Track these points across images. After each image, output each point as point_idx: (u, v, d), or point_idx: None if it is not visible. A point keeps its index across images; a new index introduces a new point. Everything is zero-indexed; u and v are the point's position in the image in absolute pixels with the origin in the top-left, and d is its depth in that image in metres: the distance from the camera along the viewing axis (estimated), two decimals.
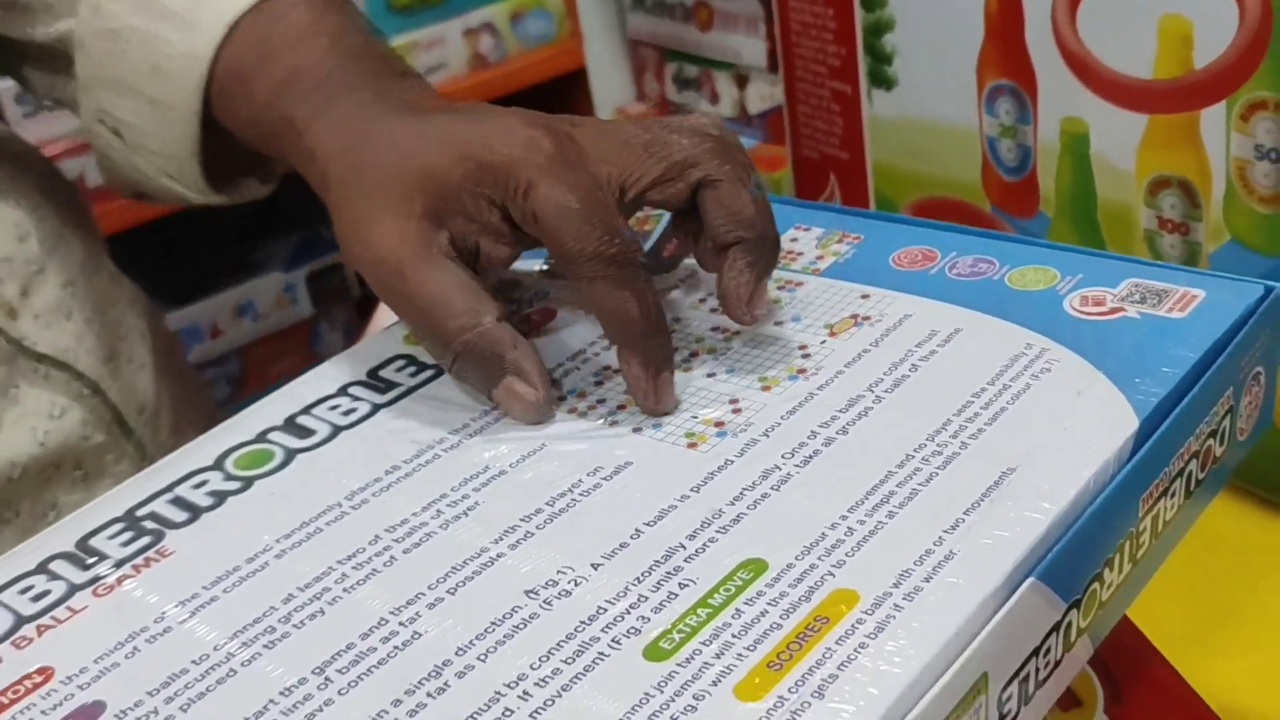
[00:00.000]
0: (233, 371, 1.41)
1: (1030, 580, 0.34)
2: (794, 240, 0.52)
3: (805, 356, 0.44)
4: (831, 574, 0.35)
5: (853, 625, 0.33)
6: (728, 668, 0.32)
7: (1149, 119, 0.54)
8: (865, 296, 0.47)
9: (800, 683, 0.31)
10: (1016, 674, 0.34)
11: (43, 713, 0.35)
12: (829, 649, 0.32)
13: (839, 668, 0.32)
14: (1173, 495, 0.40)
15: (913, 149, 0.65)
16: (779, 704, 0.31)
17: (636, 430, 0.42)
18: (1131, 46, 0.53)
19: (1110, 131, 0.56)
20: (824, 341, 0.45)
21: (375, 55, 0.53)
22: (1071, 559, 0.35)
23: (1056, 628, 0.35)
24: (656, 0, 0.84)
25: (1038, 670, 0.35)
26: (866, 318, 0.46)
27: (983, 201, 0.62)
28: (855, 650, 0.32)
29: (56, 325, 0.60)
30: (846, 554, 0.35)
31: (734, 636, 0.33)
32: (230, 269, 1.40)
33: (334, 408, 0.46)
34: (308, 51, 0.53)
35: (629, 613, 0.35)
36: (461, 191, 0.44)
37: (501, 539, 0.38)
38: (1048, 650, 0.35)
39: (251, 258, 1.43)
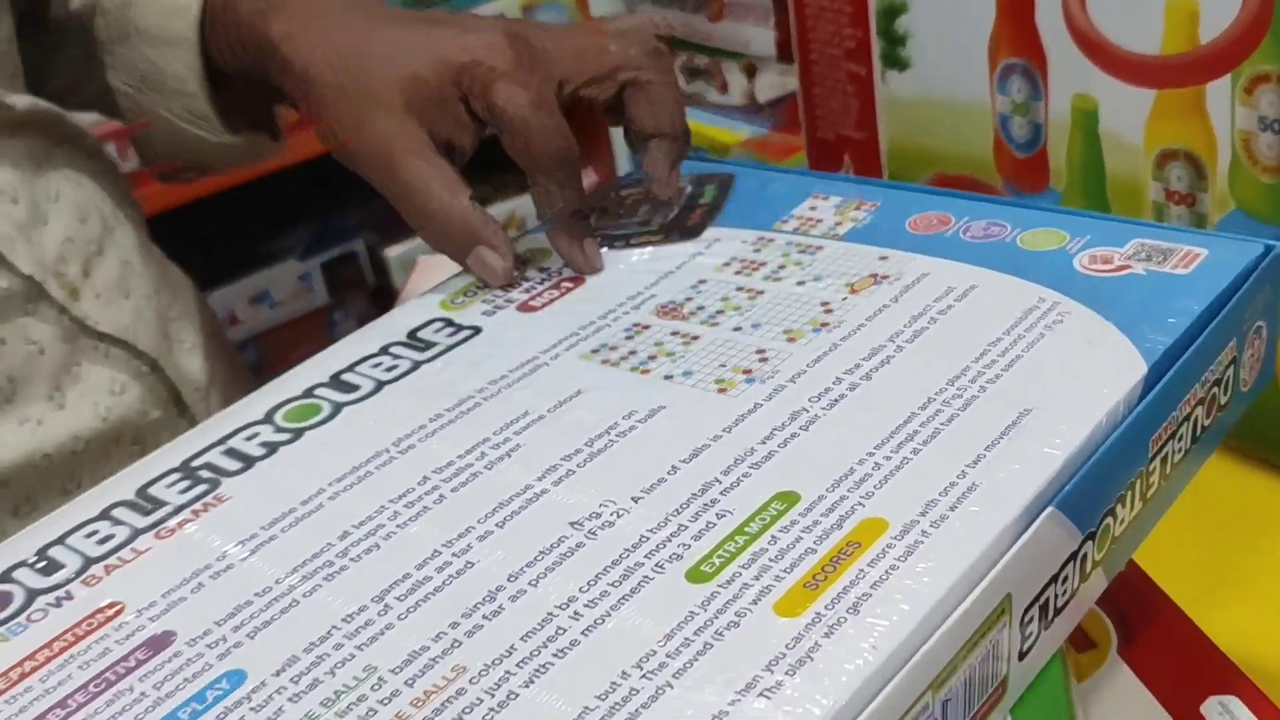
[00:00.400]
0: (251, 358, 1.43)
1: (1049, 510, 0.36)
2: (813, 209, 0.54)
3: (828, 311, 0.46)
4: (861, 504, 0.37)
5: (883, 550, 0.35)
6: (766, 588, 0.34)
7: (1157, 94, 0.56)
8: (883, 258, 0.49)
9: (836, 600, 0.33)
10: (1037, 599, 0.36)
11: (116, 643, 0.37)
12: (862, 570, 0.34)
13: (872, 587, 0.34)
14: (1180, 439, 0.42)
15: (926, 127, 0.67)
16: (816, 619, 0.33)
17: (667, 378, 0.44)
18: (1139, 24, 0.55)
19: (1119, 107, 0.58)
20: (845, 298, 0.47)
21: None
22: (1087, 492, 0.37)
23: (1073, 557, 0.37)
24: None
25: (1056, 598, 0.37)
26: (885, 276, 0.48)
27: (994, 178, 0.64)
28: (886, 572, 0.34)
29: (116, 304, 0.61)
30: (874, 486, 0.37)
31: (771, 560, 0.35)
32: (247, 259, 1.42)
33: (376, 365, 0.48)
34: None
35: (670, 540, 0.37)
36: (439, 92, 0.52)
37: (544, 477, 0.40)
38: (1065, 579, 0.37)
39: (268, 247, 1.45)
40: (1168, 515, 0.43)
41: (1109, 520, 0.39)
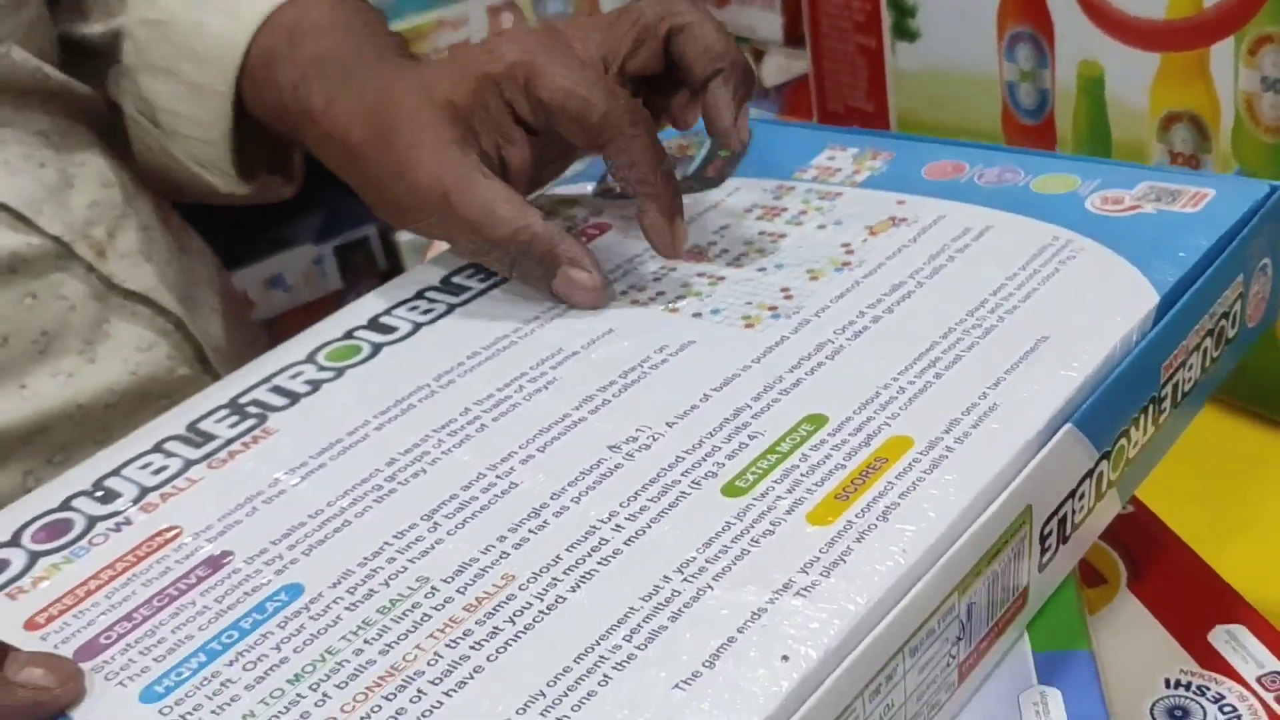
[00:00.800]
0: (263, 345, 1.45)
1: (1068, 426, 0.38)
2: (830, 159, 0.55)
3: (849, 252, 0.48)
4: (887, 424, 0.38)
5: (909, 464, 0.37)
6: (799, 499, 0.36)
7: (1161, 58, 0.58)
8: (901, 202, 0.51)
9: (866, 509, 0.35)
10: (1055, 513, 0.38)
11: (175, 563, 0.39)
12: (889, 483, 0.36)
13: (899, 497, 0.35)
14: (1189, 369, 0.44)
15: (934, 98, 0.69)
16: (848, 526, 0.35)
17: (695, 315, 0.46)
18: None
19: (1125, 72, 0.59)
20: (865, 240, 0.49)
21: (383, 38, 0.58)
22: (1103, 412, 0.39)
23: (1090, 475, 0.39)
24: None
25: (1074, 513, 0.39)
26: (903, 219, 0.49)
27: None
28: (913, 484, 0.36)
29: (140, 266, 0.63)
30: (899, 408, 0.39)
31: (802, 475, 0.37)
32: (262, 242, 1.44)
33: (413, 309, 0.50)
34: (325, 40, 0.57)
35: (704, 460, 0.38)
36: (476, 108, 0.49)
37: (580, 406, 0.42)
38: (1082, 495, 0.39)
39: (282, 232, 1.47)
40: (1173, 465, 0.45)
41: (1123, 441, 0.40)
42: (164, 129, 0.65)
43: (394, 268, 1.49)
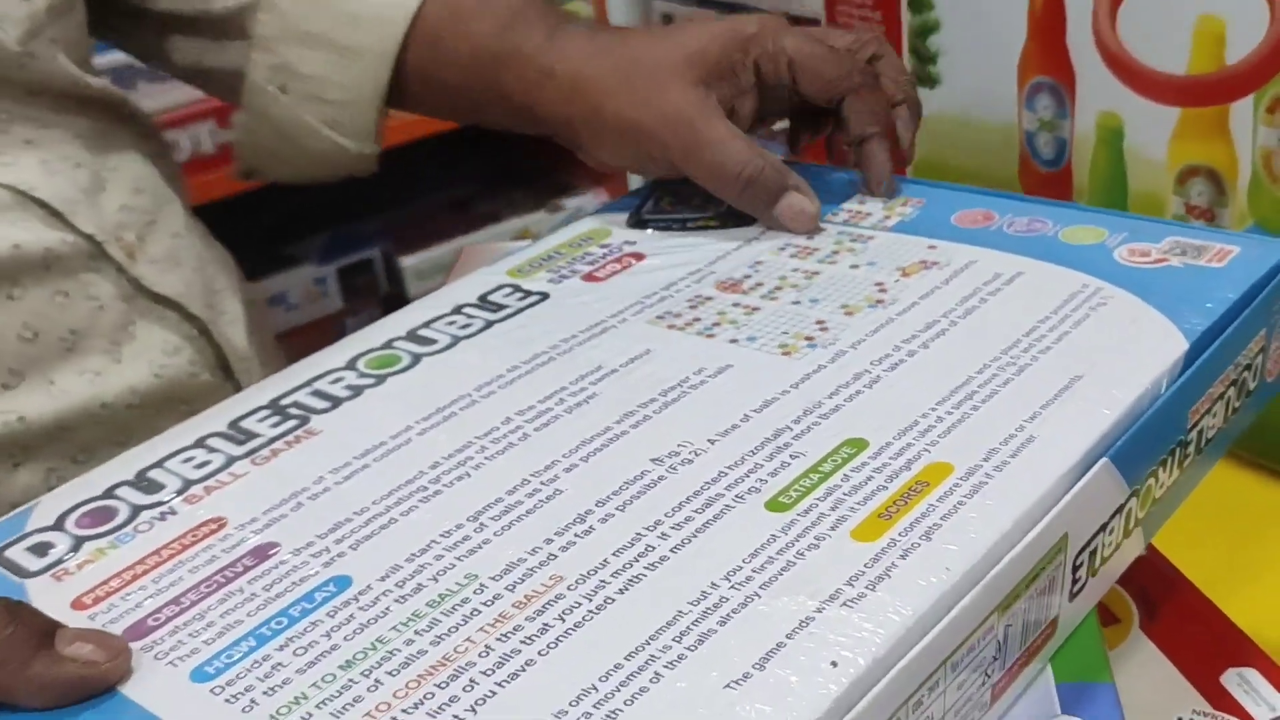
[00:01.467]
0: (280, 360, 1.46)
1: (1104, 460, 0.39)
2: (861, 203, 0.57)
3: (882, 290, 0.49)
4: (927, 450, 0.39)
5: (950, 488, 0.38)
6: (843, 517, 0.37)
7: (1181, 112, 0.59)
8: (932, 247, 0.52)
9: (910, 528, 0.36)
10: (1087, 545, 0.39)
11: (222, 551, 0.40)
12: (931, 505, 0.37)
13: (942, 518, 0.36)
14: (1214, 415, 0.45)
15: (953, 144, 0.70)
16: (892, 544, 0.36)
17: (732, 341, 0.47)
18: (1168, 44, 0.59)
19: (1144, 124, 0.61)
20: (898, 280, 0.50)
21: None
22: (1135, 450, 0.40)
23: (1120, 510, 0.40)
24: (684, 18, 0.89)
25: (1103, 547, 0.40)
26: (935, 263, 0.51)
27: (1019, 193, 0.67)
28: (955, 506, 0.37)
29: (169, 271, 0.64)
30: (939, 436, 0.40)
31: (845, 495, 0.38)
32: (268, 260, 1.45)
33: (451, 323, 0.51)
34: None
35: (747, 476, 0.39)
36: (724, 61, 0.57)
37: (623, 420, 0.43)
38: (1112, 530, 0.40)
39: (289, 250, 1.48)
40: (1187, 513, 0.46)
41: (1151, 481, 0.42)
42: (297, 95, 0.68)
43: (396, 291, 1.51)
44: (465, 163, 1.64)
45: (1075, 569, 0.39)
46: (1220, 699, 0.44)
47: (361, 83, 0.67)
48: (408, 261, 1.48)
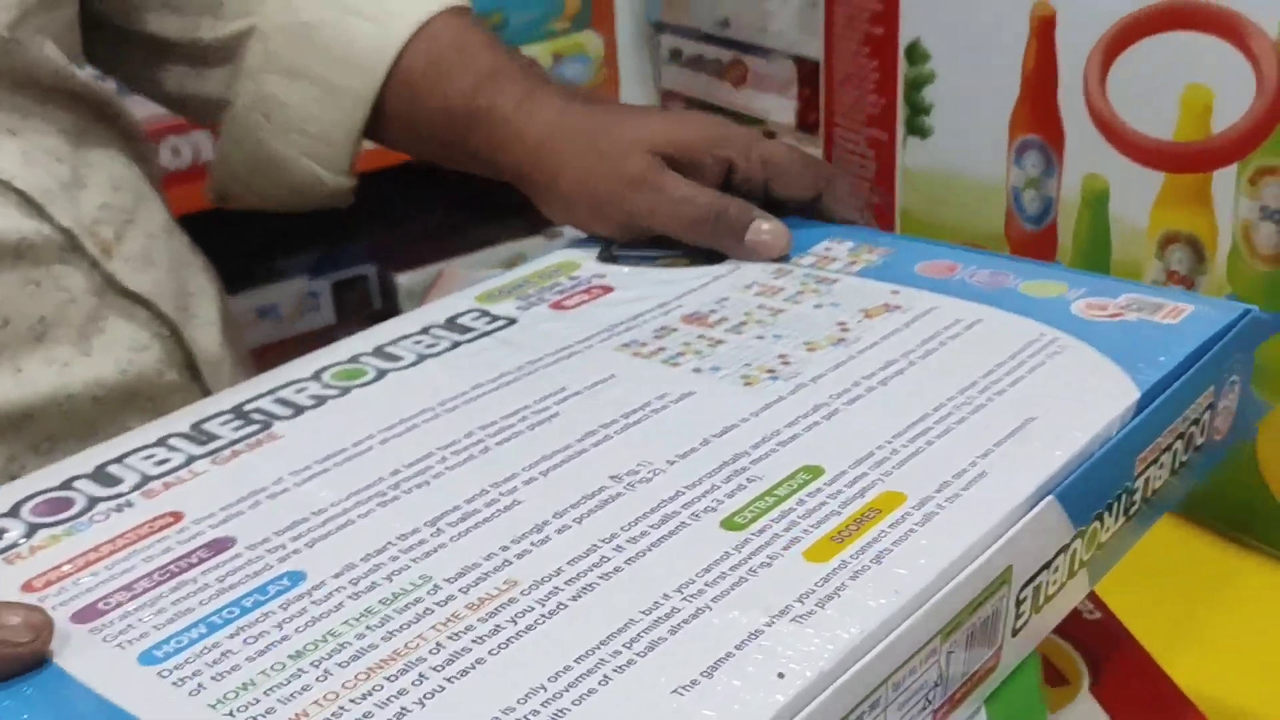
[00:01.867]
0: (252, 372, 1.46)
1: (1050, 498, 0.40)
2: (828, 249, 0.58)
3: (844, 330, 0.50)
4: (881, 480, 0.40)
5: (902, 516, 0.38)
6: (796, 538, 0.38)
7: (1166, 178, 0.60)
8: (895, 292, 0.53)
9: (861, 551, 0.37)
10: (1031, 580, 0.40)
11: (178, 543, 0.40)
12: (883, 530, 0.38)
13: (893, 544, 0.37)
14: (1161, 466, 0.46)
15: (940, 196, 0.71)
16: (843, 565, 0.36)
17: (696, 371, 0.48)
18: (1155, 111, 0.60)
19: (1128, 188, 0.62)
20: (860, 321, 0.51)
21: (536, 66, 0.68)
22: (1082, 490, 0.41)
23: (1065, 550, 0.41)
24: (694, 55, 0.91)
25: (1047, 585, 0.41)
26: (897, 307, 0.52)
27: (1003, 251, 0.68)
28: (906, 533, 0.38)
29: (142, 271, 0.65)
30: (893, 466, 0.41)
31: (799, 518, 0.39)
32: (259, 272, 1.46)
33: (417, 342, 0.51)
34: (498, 54, 0.67)
35: (704, 496, 0.40)
36: (691, 151, 0.60)
37: (584, 439, 0.43)
38: (1056, 568, 0.41)
39: (281, 263, 1.49)
40: (1139, 574, 0.47)
41: (1096, 525, 0.42)
42: (278, 126, 0.70)
43: (389, 308, 1.52)
44: (463, 185, 1.65)
45: (1019, 603, 0.40)
46: None
47: (341, 120, 0.69)
48: (402, 279, 1.49)
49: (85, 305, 0.61)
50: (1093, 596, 0.53)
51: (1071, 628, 0.48)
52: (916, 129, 0.70)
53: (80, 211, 0.62)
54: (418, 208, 1.64)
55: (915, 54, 0.70)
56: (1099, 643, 0.50)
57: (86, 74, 0.66)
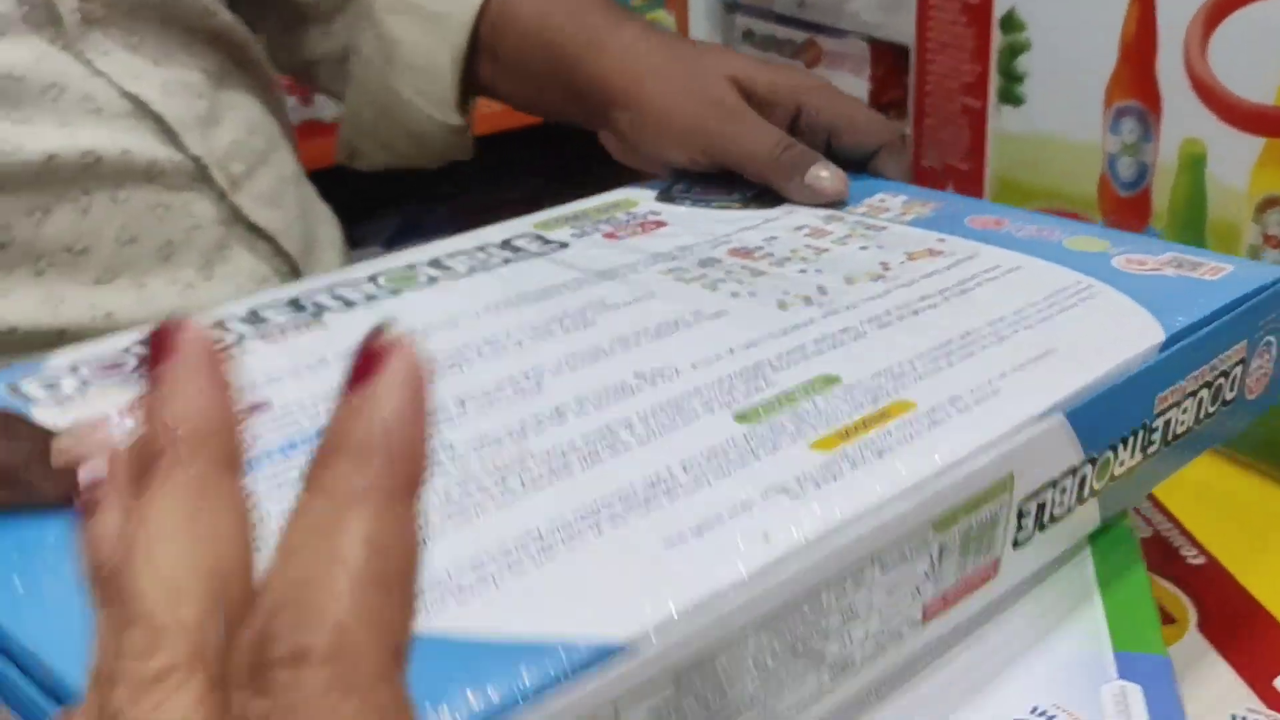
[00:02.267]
0: None
1: (1059, 415, 0.40)
2: (882, 200, 0.59)
3: (885, 268, 0.51)
4: (895, 390, 0.41)
5: (910, 420, 0.39)
6: (804, 431, 0.39)
7: (1266, 142, 0.60)
8: (941, 240, 0.54)
9: (864, 445, 0.38)
10: (1035, 495, 0.41)
11: None
12: (889, 430, 0.39)
13: (896, 443, 0.38)
14: (1184, 411, 0.46)
15: (1032, 162, 0.71)
16: (844, 455, 0.37)
17: (734, 295, 0.49)
18: (1256, 74, 0.59)
19: (1227, 152, 0.61)
20: (902, 262, 0.52)
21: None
22: (1095, 417, 0.42)
23: (1073, 472, 0.42)
24: (766, 35, 0.92)
25: (1053, 504, 0.42)
26: (940, 252, 0.53)
27: (1095, 214, 0.69)
28: (910, 435, 0.39)
29: (269, 207, 0.68)
30: (909, 381, 0.42)
31: (810, 416, 0.40)
32: None
33: (472, 257, 0.53)
34: None
35: (722, 395, 0.41)
36: (766, 92, 0.63)
37: (614, 344, 0.45)
38: (1064, 489, 0.42)
39: (353, 232, 1.52)
40: (1241, 525, 0.46)
41: (1110, 455, 0.43)
42: (395, 64, 0.73)
43: None
44: (541, 160, 1.69)
45: (1021, 515, 0.40)
46: (1277, 702, 0.45)
47: (442, 48, 0.71)
48: None
49: (212, 233, 0.64)
50: (1196, 543, 0.54)
51: (1177, 571, 0.49)
52: (1010, 97, 0.71)
53: (212, 145, 0.65)
54: (494, 181, 1.67)
55: (1011, 23, 0.71)
56: (1205, 587, 0.51)
57: (230, 15, 0.69)
